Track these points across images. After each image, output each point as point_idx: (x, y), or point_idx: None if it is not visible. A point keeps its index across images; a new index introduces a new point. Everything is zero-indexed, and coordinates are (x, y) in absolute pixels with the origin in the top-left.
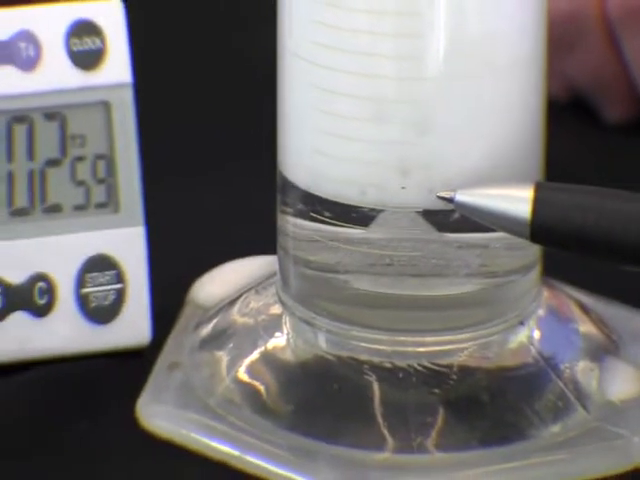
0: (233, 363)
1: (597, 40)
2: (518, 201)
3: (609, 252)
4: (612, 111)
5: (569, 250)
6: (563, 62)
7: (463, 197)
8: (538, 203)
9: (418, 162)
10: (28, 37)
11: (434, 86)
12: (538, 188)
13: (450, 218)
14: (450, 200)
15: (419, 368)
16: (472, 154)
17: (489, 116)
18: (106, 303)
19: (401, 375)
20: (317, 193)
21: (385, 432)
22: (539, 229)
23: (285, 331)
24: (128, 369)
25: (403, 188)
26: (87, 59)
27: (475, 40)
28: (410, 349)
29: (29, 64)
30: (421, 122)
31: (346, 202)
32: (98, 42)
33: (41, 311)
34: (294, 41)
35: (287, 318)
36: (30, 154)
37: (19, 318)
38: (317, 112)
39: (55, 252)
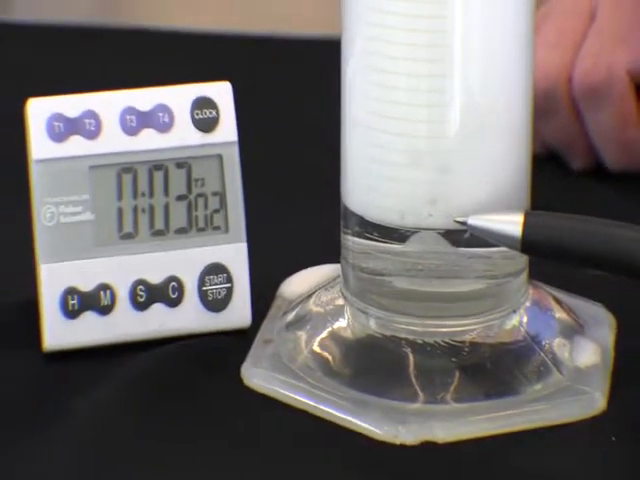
0: (309, 339)
1: (565, 112)
2: (512, 224)
3: (578, 260)
4: (576, 162)
5: (549, 259)
6: (540, 127)
7: (474, 221)
8: (526, 226)
9: (441, 196)
10: (164, 108)
11: (453, 142)
12: (527, 215)
13: (463, 237)
14: (464, 223)
15: (442, 343)
16: (480, 189)
17: (492, 163)
18: (219, 297)
19: (429, 349)
20: (369, 219)
21: (417, 388)
22: (527, 244)
23: (346, 317)
24: (235, 344)
25: (430, 215)
26: (206, 124)
27: (482, 109)
28: (435, 330)
29: (165, 128)
30: (443, 167)
31: (389, 225)
32: (214, 112)
33: (173, 303)
34: (353, 110)
35: (348, 308)
36: (165, 191)
37: (158, 308)
38: (369, 161)
39: (183, 261)
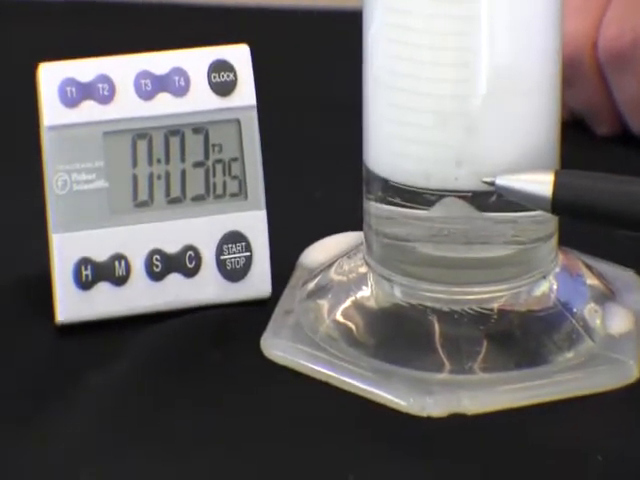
0: (331, 309)
1: (590, 78)
2: (542, 183)
3: (610, 221)
4: (602, 128)
5: (580, 219)
6: (565, 93)
7: (501, 181)
8: (557, 185)
9: (468, 157)
10: (180, 72)
11: (480, 101)
12: (557, 174)
13: (490, 201)
14: (492, 184)
15: (469, 311)
16: (508, 150)
17: (520, 123)
18: (238, 266)
19: (456, 316)
20: (393, 182)
21: (443, 358)
22: (558, 204)
23: (369, 285)
24: (254, 314)
25: (457, 178)
26: (223, 88)
27: (510, 68)
28: (462, 297)
29: (181, 92)
30: (470, 128)
31: (414, 188)
32: (231, 76)
33: (190, 273)
34: (375, 70)
35: (371, 275)
36: (182, 158)
37: (174, 278)
38: (393, 122)
39: (200, 229)
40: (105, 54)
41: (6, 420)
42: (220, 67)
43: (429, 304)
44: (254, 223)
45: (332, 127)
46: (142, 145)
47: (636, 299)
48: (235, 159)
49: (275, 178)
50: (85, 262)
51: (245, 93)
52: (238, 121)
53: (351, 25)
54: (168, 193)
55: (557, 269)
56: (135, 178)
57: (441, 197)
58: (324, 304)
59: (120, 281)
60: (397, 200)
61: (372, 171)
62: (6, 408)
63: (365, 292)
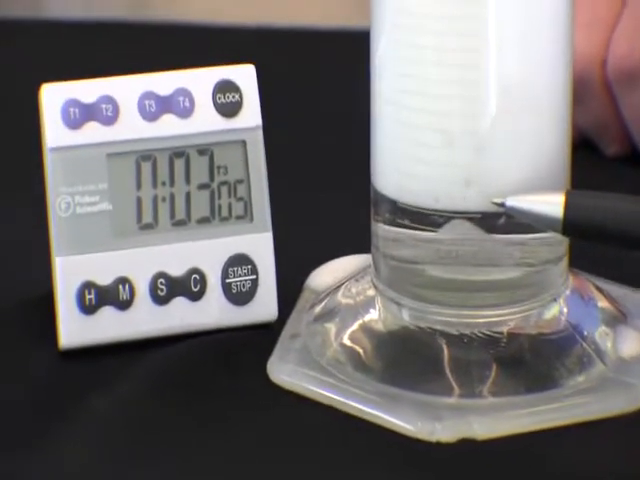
0: (339, 332)
1: (599, 96)
2: (553, 204)
3: (620, 241)
4: (611, 148)
5: (591, 240)
6: (573, 112)
7: (512, 202)
8: (568, 206)
9: (477, 177)
10: (184, 93)
11: (489, 121)
12: (568, 194)
13: (498, 222)
14: (502, 205)
15: (478, 334)
16: (517, 170)
17: (530, 142)
18: (244, 290)
19: (465, 340)
20: (401, 203)
21: (453, 382)
22: (569, 225)
23: (377, 308)
24: (260, 338)
25: (466, 198)
26: (229, 109)
27: (519, 87)
28: (471, 320)
29: (185, 113)
30: (479, 147)
31: (423, 209)
32: (237, 96)
33: (195, 296)
34: (383, 89)
35: (379, 298)
36: (187, 180)
37: (179, 302)
38: (401, 142)
39: (206, 252)
40: (108, 75)
41: (8, 443)
42: (225, 88)
43: (438, 327)
44: (260, 246)
45: (339, 148)
46: (146, 167)
47: None
48: (241, 181)
49: (281, 200)
50: (89, 286)
51: (251, 114)
52: (244, 142)
53: (357, 44)
54: (173, 215)
55: (568, 291)
56: (139, 200)
57: (450, 219)
58: (331, 327)
59: (124, 305)
60: (405, 222)
61: (380, 192)
62: (8, 431)
63: (373, 315)
